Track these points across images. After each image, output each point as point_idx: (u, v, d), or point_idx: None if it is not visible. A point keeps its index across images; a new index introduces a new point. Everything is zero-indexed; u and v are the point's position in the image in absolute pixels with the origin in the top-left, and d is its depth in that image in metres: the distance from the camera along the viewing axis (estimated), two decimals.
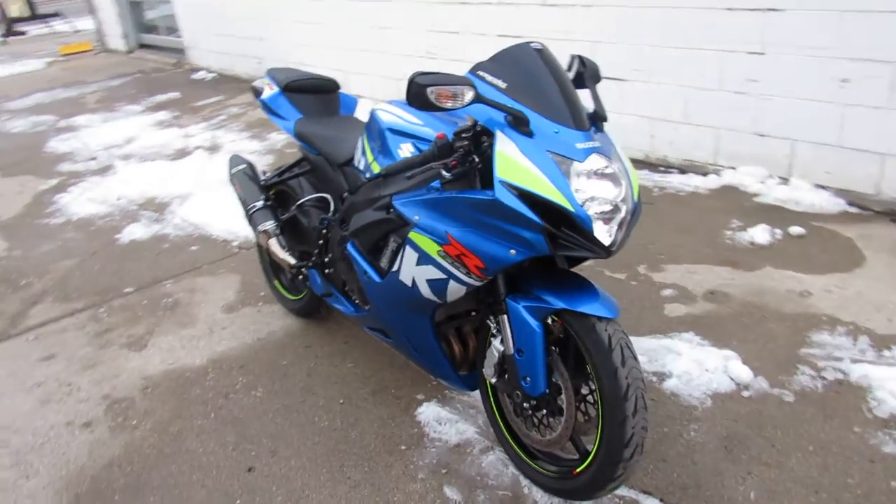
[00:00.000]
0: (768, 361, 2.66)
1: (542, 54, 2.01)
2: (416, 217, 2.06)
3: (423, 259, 2.07)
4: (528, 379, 2.01)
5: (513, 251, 1.88)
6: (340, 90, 3.07)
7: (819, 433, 2.31)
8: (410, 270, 2.13)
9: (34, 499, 2.36)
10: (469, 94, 1.84)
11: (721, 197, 4.07)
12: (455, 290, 2.06)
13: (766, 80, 3.96)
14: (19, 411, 2.82)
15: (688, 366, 2.66)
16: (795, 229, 3.58)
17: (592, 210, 1.84)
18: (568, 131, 1.89)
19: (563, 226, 1.83)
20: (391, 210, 2.17)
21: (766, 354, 2.71)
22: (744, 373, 2.58)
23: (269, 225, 2.87)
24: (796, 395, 2.48)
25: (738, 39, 3.99)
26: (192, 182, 5.08)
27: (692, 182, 4.27)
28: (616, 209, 1.88)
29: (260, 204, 2.92)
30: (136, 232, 4.41)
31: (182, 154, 5.85)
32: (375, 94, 6.52)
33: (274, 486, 2.31)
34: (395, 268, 2.18)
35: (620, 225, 1.89)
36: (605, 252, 1.86)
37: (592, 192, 1.84)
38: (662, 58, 4.33)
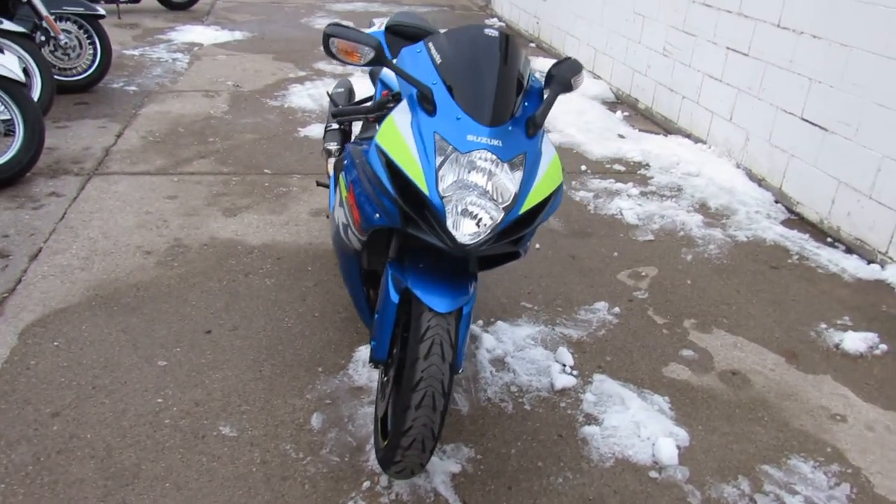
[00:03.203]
0: (713, 460, 2.33)
1: (496, 41, 1.98)
2: (346, 161, 2.20)
3: (340, 202, 2.22)
4: (375, 342, 2.08)
5: (377, 215, 1.95)
6: None
7: None
8: (336, 210, 2.29)
9: (74, 284, 3.03)
10: (369, 55, 1.90)
11: (860, 290, 3.42)
12: (353, 239, 2.17)
13: None
14: (120, 225, 3.55)
15: (623, 422, 2.44)
16: None
17: (455, 202, 1.82)
18: (470, 121, 1.87)
19: (425, 208, 1.85)
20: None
21: (719, 452, 2.37)
22: (669, 455, 2.30)
23: (332, 146, 3.16)
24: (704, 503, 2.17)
25: None
26: None
27: (844, 264, 3.62)
28: (482, 210, 1.83)
29: (335, 126, 3.22)
30: (314, 130, 5.03)
31: None
32: (613, 79, 6.38)
33: (209, 351, 2.69)
34: (333, 204, 2.36)
35: (486, 229, 1.84)
36: (456, 248, 1.83)
37: (462, 183, 1.82)
38: (872, 116, 3.66)
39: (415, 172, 1.82)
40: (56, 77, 5.34)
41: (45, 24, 5.10)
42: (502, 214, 1.85)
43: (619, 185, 4.38)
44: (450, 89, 1.94)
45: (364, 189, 2.01)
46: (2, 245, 3.30)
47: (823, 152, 4.00)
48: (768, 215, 4.14)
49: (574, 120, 5.42)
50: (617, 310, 3.11)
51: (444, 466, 2.21)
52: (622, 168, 4.69)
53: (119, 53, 6.63)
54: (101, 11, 5.48)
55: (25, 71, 4.56)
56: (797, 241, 3.86)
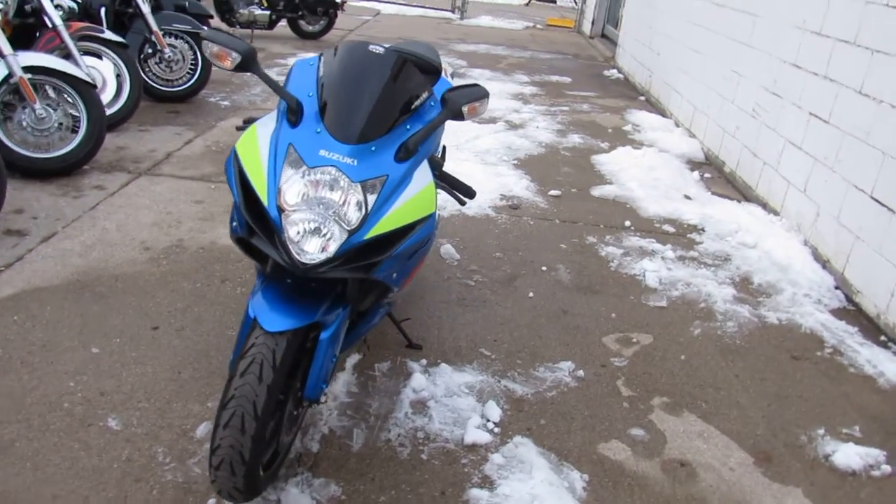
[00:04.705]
0: None
1: (384, 61, 1.90)
2: None
3: None
4: (233, 355, 2.01)
5: (234, 224, 1.90)
6: (441, 75, 3.11)
7: None
8: None
9: (65, 267, 3.22)
10: (237, 60, 1.89)
11: (893, 400, 2.89)
12: None
13: None
14: (138, 221, 3.74)
15: (518, 493, 2.19)
16: None
17: (298, 218, 1.74)
18: (328, 137, 1.80)
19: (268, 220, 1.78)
20: None
21: None
22: None
23: None
24: None
25: None
26: (456, 139, 5.53)
27: (884, 367, 3.07)
28: (328, 230, 1.73)
29: None
30: None
31: (488, 120, 6.31)
32: (706, 139, 5.97)
33: (144, 346, 2.74)
34: None
35: (331, 250, 1.74)
36: (293, 266, 1.75)
37: (316, 200, 1.74)
38: None
39: (258, 181, 1.77)
40: (158, 87, 5.83)
41: (153, 38, 5.58)
42: (346, 236, 1.75)
43: (657, 246, 4.04)
44: (323, 103, 1.87)
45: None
46: (26, 225, 3.58)
47: (889, 237, 3.47)
48: (819, 300, 3.63)
49: (642, 175, 5.10)
50: (581, 373, 2.83)
51: (299, 500, 2.08)
52: (671, 229, 4.34)
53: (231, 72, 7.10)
54: (207, 30, 5.91)
55: (118, 76, 5.01)
56: (839, 333, 3.35)
